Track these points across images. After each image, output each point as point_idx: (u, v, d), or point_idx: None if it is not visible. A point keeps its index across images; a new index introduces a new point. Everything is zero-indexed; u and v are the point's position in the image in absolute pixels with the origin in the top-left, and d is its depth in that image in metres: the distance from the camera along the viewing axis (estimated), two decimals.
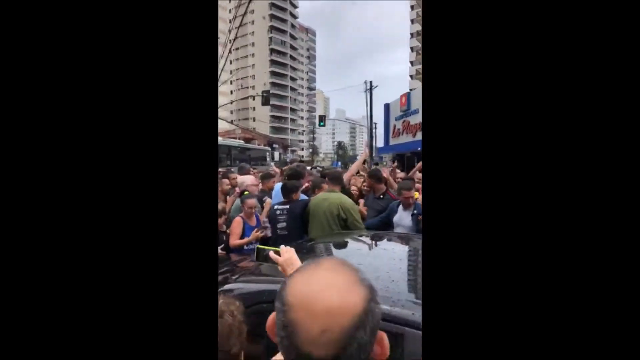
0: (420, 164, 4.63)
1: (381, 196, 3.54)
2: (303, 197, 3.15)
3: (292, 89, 66.03)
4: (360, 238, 2.29)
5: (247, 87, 56.73)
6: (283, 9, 60.66)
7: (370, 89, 21.42)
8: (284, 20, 61.13)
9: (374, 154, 19.67)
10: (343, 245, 2.10)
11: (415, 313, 1.00)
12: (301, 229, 2.82)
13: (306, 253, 1.82)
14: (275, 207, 2.92)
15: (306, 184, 3.55)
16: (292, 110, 66.29)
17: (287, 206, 2.87)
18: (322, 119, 24.13)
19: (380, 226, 3.12)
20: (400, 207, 3.03)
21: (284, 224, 2.85)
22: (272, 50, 59.16)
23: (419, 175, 4.04)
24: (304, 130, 70.80)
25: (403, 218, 2.97)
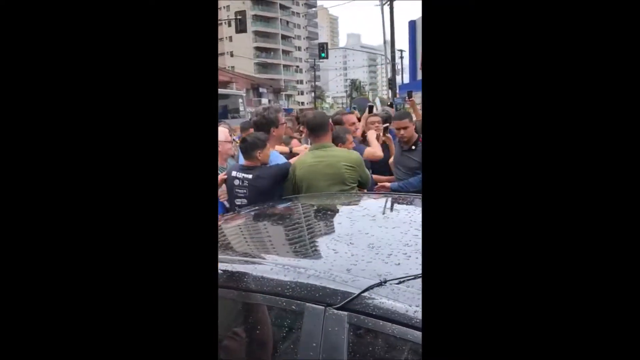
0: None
1: (413, 147, 2.94)
2: (279, 158, 2.60)
3: (284, 7, 62.11)
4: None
5: (219, 8, 53.15)
6: None
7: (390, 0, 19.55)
8: None
9: (397, 93, 18.50)
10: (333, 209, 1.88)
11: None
12: None
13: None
14: (233, 173, 2.46)
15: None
16: (285, 38, 62.90)
17: (249, 175, 2.39)
18: (323, 48, 22.72)
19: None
20: None
21: (243, 200, 2.37)
22: None
23: None
24: (301, 67, 67.53)
25: None
